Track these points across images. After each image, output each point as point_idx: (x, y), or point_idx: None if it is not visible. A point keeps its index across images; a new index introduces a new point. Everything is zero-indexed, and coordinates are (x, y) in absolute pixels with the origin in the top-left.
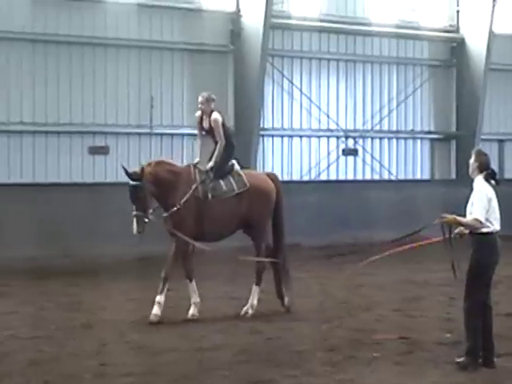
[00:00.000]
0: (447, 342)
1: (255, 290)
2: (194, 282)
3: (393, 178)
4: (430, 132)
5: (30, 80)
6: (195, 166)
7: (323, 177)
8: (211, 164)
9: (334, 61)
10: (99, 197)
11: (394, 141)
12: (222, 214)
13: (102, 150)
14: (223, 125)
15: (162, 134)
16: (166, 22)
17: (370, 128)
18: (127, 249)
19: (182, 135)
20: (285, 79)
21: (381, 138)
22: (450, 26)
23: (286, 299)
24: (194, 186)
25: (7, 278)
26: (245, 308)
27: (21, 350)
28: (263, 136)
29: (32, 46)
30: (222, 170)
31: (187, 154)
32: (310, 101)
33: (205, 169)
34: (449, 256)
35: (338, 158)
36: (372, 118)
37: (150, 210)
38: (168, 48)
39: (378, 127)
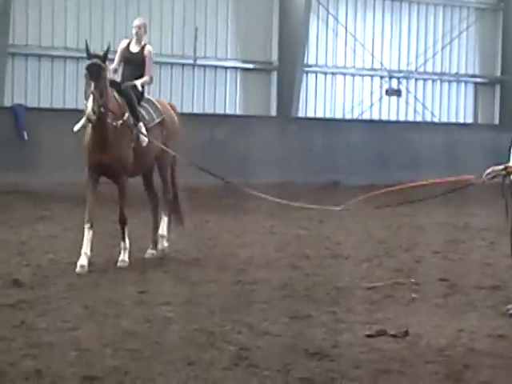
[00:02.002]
0: (486, 286)
1: (164, 219)
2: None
3: (435, 120)
4: (474, 76)
5: (75, 6)
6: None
7: (366, 116)
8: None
9: None
10: None
11: (438, 83)
12: (147, 146)
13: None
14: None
15: (205, 66)
16: None
17: (414, 69)
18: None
19: (225, 68)
20: (330, 16)
21: (425, 80)
22: None
23: (164, 243)
24: (127, 114)
25: (49, 203)
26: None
27: (61, 275)
28: (307, 73)
29: None
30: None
31: (230, 87)
32: (355, 39)
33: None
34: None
35: (381, 97)
36: (416, 59)
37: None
38: None
39: (422, 69)
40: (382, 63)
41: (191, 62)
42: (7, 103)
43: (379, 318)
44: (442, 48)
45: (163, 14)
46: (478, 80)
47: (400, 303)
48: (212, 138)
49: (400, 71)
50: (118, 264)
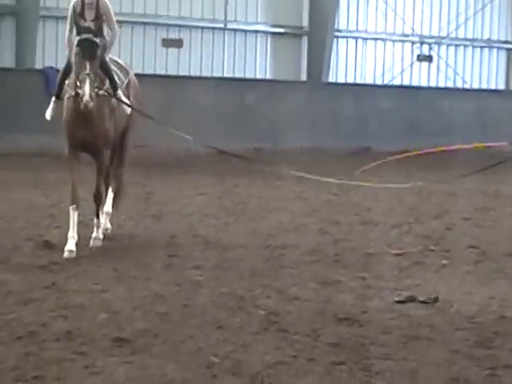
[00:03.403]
0: None
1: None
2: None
3: (467, 86)
4: (506, 42)
5: None
6: None
7: (396, 82)
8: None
9: None
10: (171, 89)
11: (470, 49)
12: (121, 114)
13: (176, 43)
14: None
15: (235, 30)
16: None
17: (445, 35)
18: (199, 142)
19: (256, 32)
20: None
21: (456, 46)
22: None
23: (108, 224)
24: (107, 82)
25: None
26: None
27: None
28: (337, 38)
29: None
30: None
31: (260, 52)
32: (386, 4)
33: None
34: None
35: (412, 63)
36: (448, 24)
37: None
38: None
39: (453, 34)
40: (413, 29)
41: (222, 26)
42: (38, 66)
43: (409, 285)
44: (474, 13)
45: None
46: (511, 46)
47: (430, 270)
48: (242, 102)
49: (431, 37)
50: (91, 243)
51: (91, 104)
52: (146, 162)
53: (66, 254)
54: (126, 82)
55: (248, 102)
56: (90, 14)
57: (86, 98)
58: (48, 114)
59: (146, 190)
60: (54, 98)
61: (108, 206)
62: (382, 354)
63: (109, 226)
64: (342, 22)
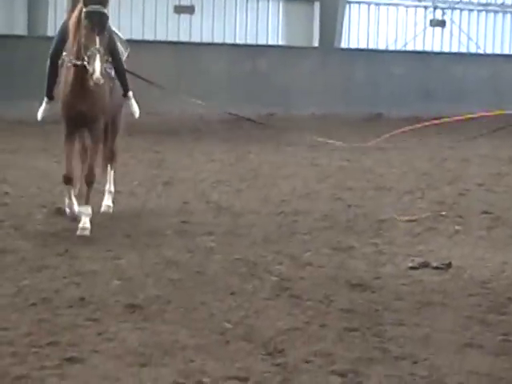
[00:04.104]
0: None
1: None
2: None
3: (480, 51)
4: None
5: None
6: None
7: (409, 47)
8: None
9: None
10: (184, 56)
11: (483, 14)
12: (118, 95)
13: (188, 10)
14: None
15: None
16: None
17: (458, 0)
18: (210, 109)
19: None
20: None
21: (470, 10)
22: None
23: (109, 202)
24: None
25: None
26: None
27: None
28: (350, 3)
29: None
30: None
31: (272, 18)
32: None
33: None
34: None
35: (425, 28)
36: None
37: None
38: None
39: None
40: None
41: None
42: (50, 33)
43: (422, 250)
44: None
45: None
46: None
47: (443, 235)
48: (254, 68)
49: (444, 2)
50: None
51: (102, 81)
52: (157, 129)
53: (80, 232)
54: (126, 55)
55: (260, 68)
56: None
57: (97, 75)
58: (39, 115)
59: (157, 156)
60: (45, 99)
61: (110, 184)
62: (395, 320)
63: (111, 204)
64: None
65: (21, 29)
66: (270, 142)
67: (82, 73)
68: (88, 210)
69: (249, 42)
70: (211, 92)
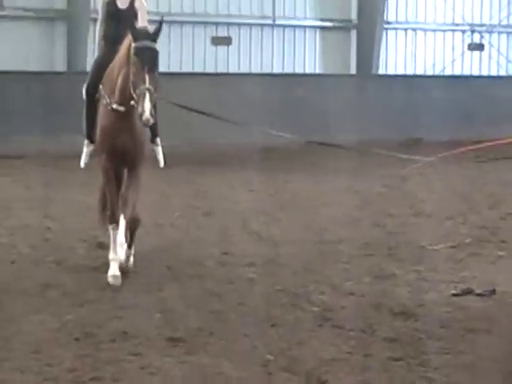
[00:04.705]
0: None
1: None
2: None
3: None
4: None
5: None
6: None
7: (448, 72)
8: None
9: None
10: (222, 86)
11: None
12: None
13: (225, 41)
14: None
15: (284, 26)
16: None
17: (497, 22)
18: (250, 139)
19: (305, 27)
20: None
21: (508, 33)
22: None
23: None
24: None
25: None
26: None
27: (144, 235)
28: (387, 29)
29: None
30: None
31: (309, 46)
32: None
33: None
34: None
35: (463, 52)
36: (499, 12)
37: None
38: None
39: (505, 22)
40: (463, 17)
41: (270, 22)
42: (89, 68)
43: (465, 277)
44: None
45: None
46: None
47: (486, 261)
48: (291, 96)
49: (482, 25)
50: (109, 279)
51: (151, 121)
52: (197, 159)
53: (110, 280)
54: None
55: (298, 96)
56: (123, 3)
57: (147, 116)
58: (83, 162)
59: (198, 187)
60: (86, 142)
61: (121, 235)
62: (440, 348)
63: (129, 258)
64: (391, 14)
65: (60, 65)
66: (309, 170)
67: (126, 114)
68: (122, 255)
69: (286, 70)
70: (250, 121)
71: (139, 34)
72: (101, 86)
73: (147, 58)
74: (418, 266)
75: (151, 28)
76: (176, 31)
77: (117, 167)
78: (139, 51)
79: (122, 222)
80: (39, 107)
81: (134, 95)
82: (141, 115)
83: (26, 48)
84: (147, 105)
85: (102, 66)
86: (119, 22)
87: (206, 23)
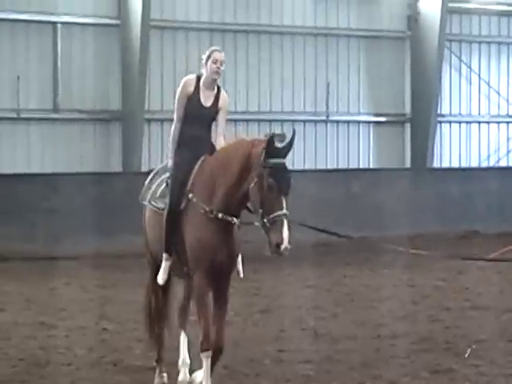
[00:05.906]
0: None
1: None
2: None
3: None
4: None
5: None
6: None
7: (503, 163)
8: None
9: None
10: None
11: None
12: None
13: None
14: None
15: (337, 122)
16: (341, 8)
17: None
18: (305, 235)
19: (358, 122)
20: (463, 64)
21: None
22: None
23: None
24: None
25: None
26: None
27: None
28: (441, 122)
29: (210, 34)
30: None
31: (363, 141)
32: (489, 86)
33: None
34: None
35: None
36: None
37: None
38: (344, 35)
39: None
40: None
41: (324, 118)
42: (144, 168)
43: None
44: None
45: (295, 71)
46: None
47: None
48: (347, 191)
49: None
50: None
51: (287, 252)
52: (252, 257)
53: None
54: None
55: (353, 191)
56: (208, 101)
57: (286, 245)
58: (162, 279)
59: (254, 284)
60: (165, 255)
61: (184, 353)
62: None
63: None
64: (444, 107)
65: (116, 165)
66: (364, 265)
67: (229, 224)
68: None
69: (341, 166)
70: (305, 217)
71: (273, 152)
72: (191, 195)
73: (285, 180)
74: (477, 360)
75: (282, 140)
76: (230, 129)
77: (212, 282)
78: (276, 172)
79: (184, 339)
80: (94, 208)
81: (265, 221)
82: (278, 244)
83: (82, 149)
84: (286, 233)
85: (186, 171)
86: (201, 121)
87: (259, 121)
